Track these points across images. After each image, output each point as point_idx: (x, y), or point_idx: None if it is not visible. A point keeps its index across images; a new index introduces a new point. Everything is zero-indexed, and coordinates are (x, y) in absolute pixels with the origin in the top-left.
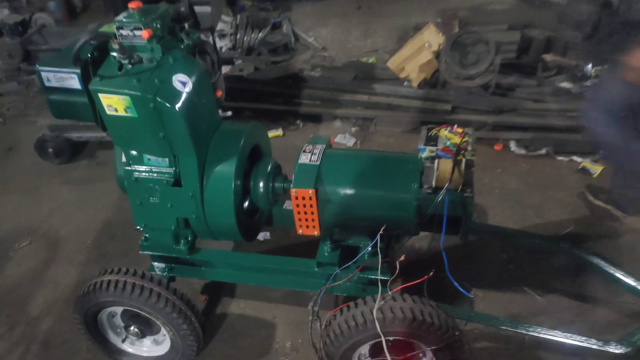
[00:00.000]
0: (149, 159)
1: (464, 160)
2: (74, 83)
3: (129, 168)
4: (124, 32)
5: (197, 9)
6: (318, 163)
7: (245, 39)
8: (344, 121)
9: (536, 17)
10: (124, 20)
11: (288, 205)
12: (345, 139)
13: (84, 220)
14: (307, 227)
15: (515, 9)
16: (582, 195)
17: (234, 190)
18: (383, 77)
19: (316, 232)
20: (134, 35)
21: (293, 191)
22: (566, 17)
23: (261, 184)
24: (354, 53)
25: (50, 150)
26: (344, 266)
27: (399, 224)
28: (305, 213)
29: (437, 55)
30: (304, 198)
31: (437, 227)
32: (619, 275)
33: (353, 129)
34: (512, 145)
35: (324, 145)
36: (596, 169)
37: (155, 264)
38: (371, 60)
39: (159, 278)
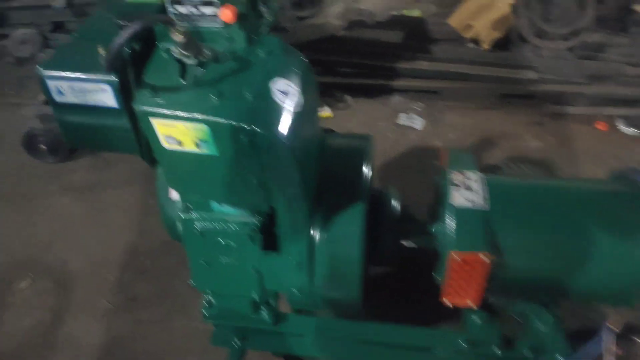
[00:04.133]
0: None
1: None
2: (106, 98)
3: (189, 215)
4: (182, 9)
5: None
6: (486, 208)
7: None
8: (403, 96)
9: None
10: None
11: None
12: (410, 120)
13: (98, 246)
14: (461, 296)
15: None
16: None
17: (361, 253)
18: (441, 37)
19: (475, 305)
20: (201, 14)
21: (455, 255)
22: None
23: (389, 239)
24: (393, 4)
25: (43, 146)
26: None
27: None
28: (467, 281)
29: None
30: (470, 263)
31: None
32: None
33: (417, 107)
34: (620, 124)
35: (479, 172)
36: None
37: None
38: (415, 13)
39: None
